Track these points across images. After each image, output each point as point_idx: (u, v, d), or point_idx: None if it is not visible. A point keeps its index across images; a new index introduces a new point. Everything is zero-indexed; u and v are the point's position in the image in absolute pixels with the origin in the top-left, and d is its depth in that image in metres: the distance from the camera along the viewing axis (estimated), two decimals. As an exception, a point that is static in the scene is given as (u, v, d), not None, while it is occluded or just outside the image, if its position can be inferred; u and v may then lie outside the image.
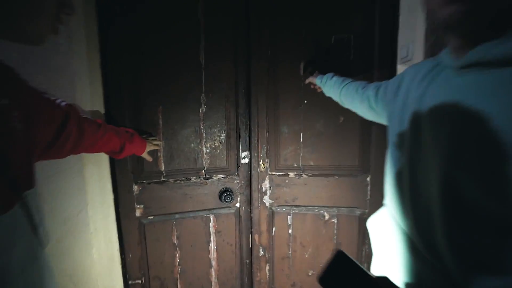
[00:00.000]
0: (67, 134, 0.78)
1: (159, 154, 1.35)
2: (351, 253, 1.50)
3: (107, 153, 1.08)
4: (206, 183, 1.44)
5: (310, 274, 1.56)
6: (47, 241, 0.59)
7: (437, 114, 0.50)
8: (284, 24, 1.36)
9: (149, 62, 1.28)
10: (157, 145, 1.30)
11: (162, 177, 1.37)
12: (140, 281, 1.42)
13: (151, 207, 1.37)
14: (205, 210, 1.46)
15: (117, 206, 1.32)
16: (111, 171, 1.29)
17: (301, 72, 1.38)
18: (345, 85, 1.07)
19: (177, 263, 1.47)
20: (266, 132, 1.45)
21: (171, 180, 1.39)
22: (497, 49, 0.42)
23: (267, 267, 1.58)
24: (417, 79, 0.60)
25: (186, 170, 1.41)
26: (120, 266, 1.36)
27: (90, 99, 1.13)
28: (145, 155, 1.23)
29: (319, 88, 1.28)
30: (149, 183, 1.36)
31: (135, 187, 1.34)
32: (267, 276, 1.59)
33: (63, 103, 0.82)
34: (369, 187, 1.43)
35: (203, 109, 1.39)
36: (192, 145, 1.40)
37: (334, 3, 1.32)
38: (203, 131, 1.40)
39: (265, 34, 1.38)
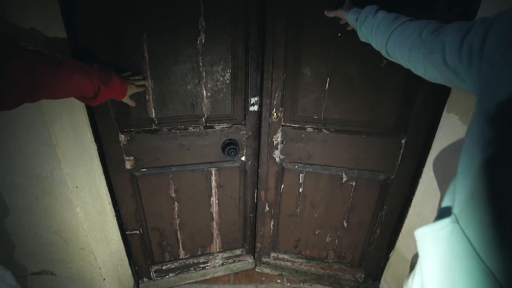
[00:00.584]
0: (7, 79, 0.55)
1: (147, 97, 1.08)
2: (365, 218, 1.38)
3: (78, 99, 0.82)
4: (207, 133, 1.21)
5: (316, 233, 1.47)
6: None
7: None
8: None
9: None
10: (142, 86, 1.02)
11: (153, 125, 1.14)
12: (138, 232, 1.34)
13: (143, 159, 1.18)
14: (205, 163, 1.27)
15: (103, 159, 1.13)
16: (90, 119, 1.05)
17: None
18: (398, 26, 0.66)
19: (176, 216, 1.36)
20: (283, 74, 1.13)
21: (165, 129, 1.15)
22: None
23: (272, 222, 1.48)
24: None
25: (182, 118, 1.16)
26: (115, 219, 1.26)
27: (40, 19, 0.80)
28: (126, 99, 0.96)
29: (350, 26, 0.89)
30: (138, 132, 1.13)
31: (122, 137, 1.12)
32: (271, 231, 1.51)
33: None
34: (401, 151, 1.18)
35: (202, 38, 1.05)
36: (189, 86, 1.11)
37: None
38: (203, 68, 1.09)
39: None
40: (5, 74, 0.56)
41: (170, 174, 1.25)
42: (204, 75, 1.10)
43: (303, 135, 1.24)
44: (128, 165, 1.18)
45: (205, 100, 1.15)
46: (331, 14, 0.93)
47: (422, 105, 1.08)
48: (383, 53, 0.75)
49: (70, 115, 0.95)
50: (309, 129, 1.22)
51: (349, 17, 0.84)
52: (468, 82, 0.48)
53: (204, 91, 1.13)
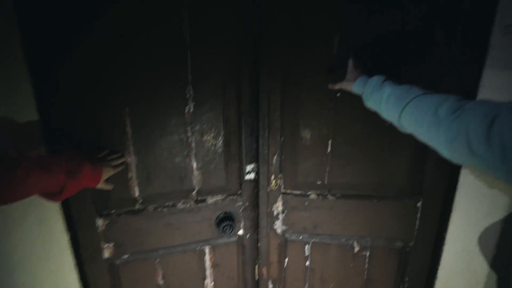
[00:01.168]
0: None
1: (130, 175, 0.95)
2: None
3: (41, 196, 0.69)
4: (198, 209, 1.06)
5: (332, 312, 1.26)
6: None
7: None
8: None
9: (104, 42, 0.82)
10: (121, 165, 0.89)
11: (137, 205, 0.99)
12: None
13: (125, 244, 1.01)
14: (198, 242, 1.10)
15: (76, 249, 0.95)
16: (62, 204, 0.90)
17: (335, 50, 0.93)
18: (411, 101, 0.60)
19: (164, 306, 1.15)
20: (280, 138, 1.04)
21: (150, 207, 1.01)
22: None
23: (278, 303, 1.27)
24: None
25: (170, 194, 1.02)
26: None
27: (10, 101, 0.69)
28: (101, 185, 0.83)
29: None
30: (119, 214, 0.97)
31: (100, 221, 0.96)
32: (278, 313, 1.29)
33: None
34: (418, 215, 1.06)
35: (190, 107, 0.96)
36: (177, 159, 0.99)
37: None
38: (192, 138, 0.99)
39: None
40: None
41: (157, 258, 1.07)
42: (193, 145, 0.99)
43: (306, 203, 1.10)
44: (107, 253, 1.00)
45: (196, 172, 1.02)
46: (335, 87, 0.87)
47: (436, 163, 0.98)
48: (400, 127, 0.66)
49: (28, 204, 0.80)
50: (312, 196, 1.09)
51: (354, 90, 0.78)
52: (504, 175, 0.42)
53: (194, 163, 1.01)
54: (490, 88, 0.83)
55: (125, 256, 1.03)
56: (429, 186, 1.02)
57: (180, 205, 1.03)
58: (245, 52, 0.96)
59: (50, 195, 0.68)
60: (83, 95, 0.83)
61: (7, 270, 0.74)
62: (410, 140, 0.96)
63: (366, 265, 1.16)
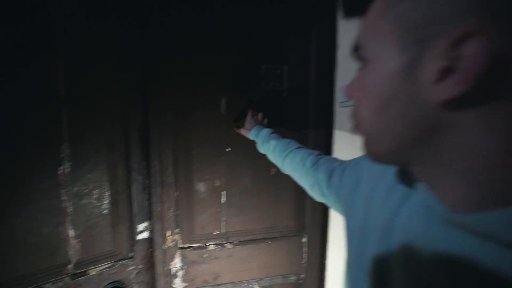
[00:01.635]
0: None
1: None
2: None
3: None
4: (77, 285, 0.90)
5: None
6: None
7: (414, 260, 0.33)
8: (201, 48, 0.98)
9: None
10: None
11: (-20, 299, 0.76)
12: None
13: None
14: (76, 326, 0.92)
15: None
16: None
17: (223, 110, 1.03)
18: (289, 153, 0.78)
19: None
20: (175, 193, 1.03)
21: (3, 298, 0.79)
22: (496, 226, 0.25)
23: None
24: (381, 188, 0.42)
25: (34, 274, 0.83)
26: None
27: None
28: None
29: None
30: None
31: None
32: None
33: None
34: (305, 249, 1.20)
35: (65, 167, 0.85)
36: (46, 229, 0.83)
37: (264, 29, 1.02)
38: (68, 203, 0.86)
39: (171, 55, 0.96)
40: None
41: None
42: (69, 210, 0.86)
43: (205, 255, 1.10)
44: None
45: (73, 241, 0.88)
46: (238, 131, 1.01)
47: (313, 203, 1.16)
48: (281, 169, 0.84)
49: None
50: (211, 247, 1.10)
51: (251, 134, 0.95)
52: (336, 206, 0.60)
53: (71, 231, 0.87)
54: (339, 144, 1.08)
55: None
56: (310, 223, 1.18)
57: (53, 285, 0.85)
58: (134, 108, 0.94)
59: None
60: None
61: None
62: (291, 186, 1.12)
63: (267, 306, 1.21)
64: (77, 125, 0.85)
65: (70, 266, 0.88)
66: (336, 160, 0.65)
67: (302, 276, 1.23)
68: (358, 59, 0.32)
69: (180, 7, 0.95)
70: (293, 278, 1.22)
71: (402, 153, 0.31)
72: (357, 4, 0.97)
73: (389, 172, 0.42)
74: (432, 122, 0.27)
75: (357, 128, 0.35)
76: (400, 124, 0.29)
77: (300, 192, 1.14)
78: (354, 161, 0.54)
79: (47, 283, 0.85)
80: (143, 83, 0.95)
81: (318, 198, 0.67)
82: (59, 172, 0.84)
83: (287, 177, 1.06)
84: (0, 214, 0.76)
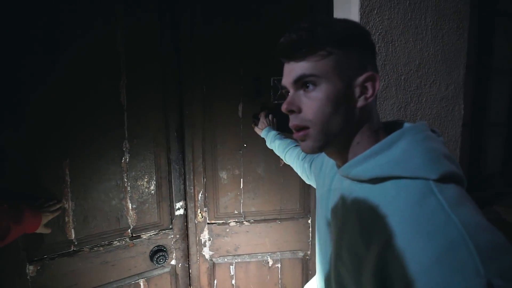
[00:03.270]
0: None
1: (66, 219, 1.08)
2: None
3: None
4: (133, 245, 1.22)
5: (255, 324, 1.48)
6: None
7: (333, 208, 0.57)
8: (221, 64, 1.26)
9: (45, 100, 1.00)
10: (56, 211, 1.02)
11: (72, 247, 1.10)
12: None
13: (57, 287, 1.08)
14: (132, 276, 1.23)
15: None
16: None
17: (240, 114, 1.29)
18: (288, 150, 1.07)
19: None
20: (203, 179, 1.31)
21: (86, 248, 1.12)
22: (355, 170, 0.50)
23: (210, 324, 1.43)
24: (329, 165, 0.66)
25: (106, 233, 1.16)
26: None
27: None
28: (41, 229, 0.95)
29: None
30: (52, 258, 1.06)
31: (30, 268, 1.03)
32: (210, 335, 1.45)
33: None
34: (310, 229, 1.42)
35: (126, 158, 1.17)
36: (114, 202, 1.16)
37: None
38: (128, 183, 1.18)
39: (198, 72, 1.25)
40: None
41: (91, 298, 1.16)
42: (129, 189, 1.19)
43: (227, 229, 1.37)
44: (37, 301, 1.05)
45: (131, 212, 1.20)
46: (255, 130, 1.28)
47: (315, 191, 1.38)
48: (284, 161, 1.13)
49: None
50: (232, 223, 1.37)
51: (262, 133, 1.24)
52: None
53: (130, 204, 1.19)
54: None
55: (59, 301, 1.09)
56: (314, 207, 1.40)
57: (116, 243, 1.18)
58: (172, 114, 1.25)
59: None
60: (23, 150, 0.98)
61: None
62: (297, 176, 1.35)
63: (279, 275, 1.45)
64: (133, 128, 1.17)
65: (129, 230, 1.21)
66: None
67: (308, 252, 1.45)
68: (298, 86, 0.51)
69: (212, 22, 1.24)
70: (300, 254, 1.45)
71: (334, 141, 0.51)
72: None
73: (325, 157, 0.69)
74: (352, 120, 0.50)
75: (303, 131, 0.51)
76: (339, 122, 0.49)
77: (303, 181, 1.38)
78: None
79: (115, 240, 1.18)
80: (179, 94, 1.26)
81: (307, 181, 0.95)
82: (122, 161, 1.17)
83: (291, 169, 1.32)
84: (84, 190, 1.10)
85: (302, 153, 0.97)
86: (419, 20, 1.10)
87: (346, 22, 0.51)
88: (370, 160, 0.48)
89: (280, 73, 0.56)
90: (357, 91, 0.50)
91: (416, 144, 0.46)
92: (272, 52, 0.59)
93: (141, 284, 1.26)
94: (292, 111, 0.52)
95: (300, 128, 0.51)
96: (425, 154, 0.44)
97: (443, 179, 0.42)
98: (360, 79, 0.49)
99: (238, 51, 1.27)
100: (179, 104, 1.26)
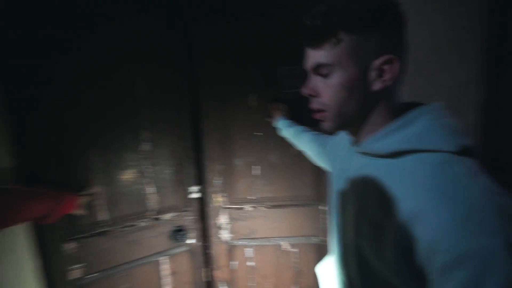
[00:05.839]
0: None
1: (98, 202, 1.19)
2: (312, 279, 1.54)
3: (31, 220, 0.91)
4: (156, 225, 1.32)
5: (271, 303, 1.56)
6: None
7: (351, 184, 0.59)
8: (233, 54, 1.30)
9: (72, 104, 1.10)
10: (89, 195, 1.13)
11: (103, 227, 1.22)
12: None
13: (92, 263, 1.21)
14: (155, 253, 1.35)
15: (45, 274, 1.12)
16: (32, 232, 1.07)
17: (253, 103, 1.33)
18: (301, 135, 1.11)
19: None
20: (220, 165, 1.38)
21: (115, 228, 1.24)
22: (375, 145, 0.52)
23: (228, 301, 1.53)
24: (345, 145, 0.67)
25: (132, 215, 1.27)
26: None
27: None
28: (77, 211, 1.06)
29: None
30: (86, 237, 1.19)
31: (69, 245, 1.15)
32: (229, 310, 1.55)
33: None
34: (324, 216, 1.45)
35: (146, 146, 1.26)
36: (136, 186, 1.26)
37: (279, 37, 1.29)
38: (148, 169, 1.28)
39: (212, 63, 1.30)
40: None
41: (120, 273, 1.28)
42: (150, 175, 1.28)
43: (244, 214, 1.43)
44: (73, 275, 1.18)
45: (153, 196, 1.30)
46: (268, 119, 1.30)
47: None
48: (296, 147, 1.17)
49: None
50: (248, 208, 1.43)
51: (275, 125, 1.26)
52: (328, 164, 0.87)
53: (150, 188, 1.29)
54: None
55: (91, 276, 1.22)
56: (327, 194, 1.43)
57: (140, 224, 1.29)
58: (188, 105, 1.32)
59: (37, 221, 0.91)
60: (56, 142, 1.08)
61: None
62: (310, 164, 1.38)
63: (296, 260, 1.50)
64: (152, 118, 1.25)
65: (152, 212, 1.31)
66: (327, 136, 0.95)
67: (323, 238, 1.49)
68: (316, 72, 0.54)
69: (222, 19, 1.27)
70: (314, 239, 1.49)
71: (349, 122, 0.56)
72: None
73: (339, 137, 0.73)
74: (369, 102, 0.53)
75: (321, 113, 0.56)
76: (355, 105, 0.53)
77: (317, 168, 1.40)
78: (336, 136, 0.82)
79: (140, 221, 1.29)
80: (194, 85, 1.32)
81: (320, 162, 0.98)
82: (142, 149, 1.26)
83: (305, 156, 1.35)
84: (112, 176, 1.21)
85: (315, 136, 1.02)
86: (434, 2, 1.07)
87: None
88: (391, 135, 0.51)
89: (292, 62, 0.59)
90: (373, 74, 0.50)
91: (435, 120, 0.49)
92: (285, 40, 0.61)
93: (164, 260, 1.37)
94: (311, 95, 0.56)
95: (319, 111, 0.56)
96: (444, 129, 0.48)
97: (461, 152, 0.45)
98: (377, 62, 0.49)
99: (250, 40, 1.29)
100: (195, 95, 1.32)
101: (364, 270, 0.54)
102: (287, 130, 1.20)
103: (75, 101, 1.10)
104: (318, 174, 1.40)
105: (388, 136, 0.51)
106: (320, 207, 1.44)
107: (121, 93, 1.18)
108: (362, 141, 0.57)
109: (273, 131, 1.31)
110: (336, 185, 0.67)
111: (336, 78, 0.51)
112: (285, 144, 1.32)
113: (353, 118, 0.54)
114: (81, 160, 1.14)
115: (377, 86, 0.51)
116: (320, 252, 1.49)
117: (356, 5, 0.48)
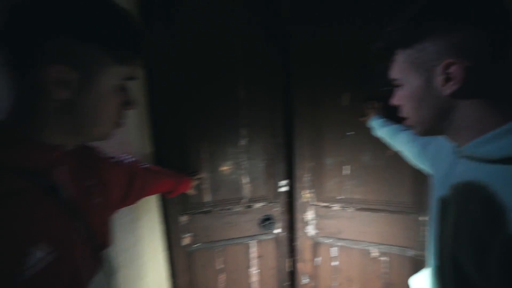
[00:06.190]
0: (133, 190, 0.89)
1: (203, 186, 1.42)
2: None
3: (161, 192, 1.20)
4: (248, 212, 1.48)
5: (355, 308, 1.51)
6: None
7: (452, 190, 0.55)
8: (327, 53, 1.29)
9: (190, 104, 1.33)
10: (199, 179, 1.36)
11: (207, 207, 1.45)
12: (189, 300, 1.54)
13: (197, 235, 1.46)
14: (246, 237, 1.51)
15: (167, 237, 1.43)
16: (161, 205, 1.39)
17: (346, 102, 1.29)
18: (397, 134, 1.04)
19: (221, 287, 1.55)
20: (310, 163, 1.41)
21: (215, 209, 1.45)
22: (483, 149, 0.48)
23: (310, 295, 1.57)
24: (448, 148, 0.63)
25: (229, 200, 1.46)
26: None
27: (141, 142, 1.23)
28: (190, 191, 1.31)
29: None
30: (195, 214, 1.44)
31: (183, 218, 1.43)
32: (310, 304, 1.58)
33: (127, 160, 0.92)
34: (422, 227, 1.29)
35: (243, 141, 1.41)
36: (234, 176, 1.43)
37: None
38: (244, 162, 1.43)
39: (305, 65, 1.32)
40: (134, 186, 0.90)
41: (218, 248, 1.50)
42: (245, 167, 1.43)
43: (331, 212, 1.43)
44: (185, 242, 1.46)
45: (246, 185, 1.45)
46: (362, 119, 1.27)
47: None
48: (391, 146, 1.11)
49: (146, 201, 1.26)
50: (336, 207, 1.42)
51: (369, 124, 1.22)
52: (427, 166, 0.82)
53: (245, 179, 1.44)
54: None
55: (198, 245, 1.48)
56: (428, 203, 1.25)
57: (235, 209, 1.46)
58: (281, 105, 1.39)
59: (164, 194, 1.19)
60: (178, 138, 1.35)
61: (134, 242, 1.23)
62: (408, 168, 1.25)
63: (385, 270, 1.40)
64: (249, 117, 1.39)
65: (245, 200, 1.47)
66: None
67: (420, 253, 1.32)
68: (395, 85, 0.59)
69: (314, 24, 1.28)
70: (410, 252, 1.34)
71: (434, 128, 0.56)
72: None
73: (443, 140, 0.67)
74: (446, 107, 0.52)
75: (406, 121, 0.60)
76: (429, 112, 0.54)
77: (419, 174, 1.24)
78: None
79: (235, 206, 1.47)
80: (287, 86, 1.37)
81: (420, 164, 0.90)
82: (240, 144, 1.41)
83: (403, 159, 1.23)
84: (216, 166, 1.41)
85: (411, 136, 0.95)
86: None
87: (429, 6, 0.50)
88: (504, 138, 0.46)
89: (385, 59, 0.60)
90: (439, 80, 0.50)
91: None
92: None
93: (253, 244, 1.52)
94: (396, 104, 0.61)
95: (404, 119, 0.60)
96: None
97: None
98: (438, 69, 0.49)
99: (346, 42, 1.25)
100: (288, 96, 1.38)
101: (463, 287, 0.50)
102: (382, 129, 1.13)
103: (191, 103, 1.33)
104: (419, 179, 1.25)
105: (501, 138, 0.47)
106: (420, 218, 1.28)
107: (227, 95, 1.36)
108: (465, 145, 0.53)
109: (366, 131, 1.24)
110: (438, 191, 0.63)
111: (404, 90, 0.56)
112: (379, 145, 1.23)
113: (437, 124, 0.54)
114: (194, 151, 1.38)
115: (447, 90, 0.50)
116: (415, 267, 1.34)
117: (418, 17, 0.51)
